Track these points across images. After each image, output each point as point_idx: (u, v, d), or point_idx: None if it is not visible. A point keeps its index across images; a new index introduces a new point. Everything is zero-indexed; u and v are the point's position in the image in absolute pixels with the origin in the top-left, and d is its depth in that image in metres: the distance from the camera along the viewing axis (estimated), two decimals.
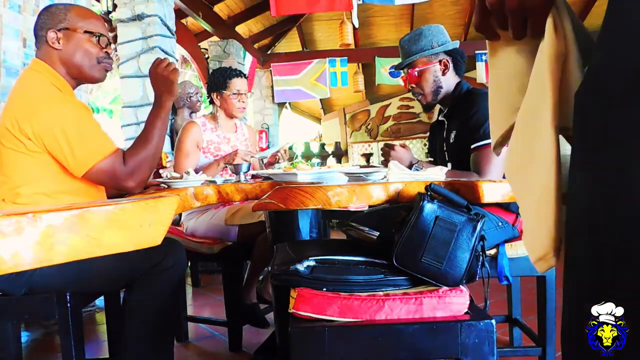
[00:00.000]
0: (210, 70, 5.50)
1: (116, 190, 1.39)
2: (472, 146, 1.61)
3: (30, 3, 2.58)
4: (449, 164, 1.75)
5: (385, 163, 1.70)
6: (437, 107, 1.87)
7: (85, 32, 1.36)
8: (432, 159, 1.93)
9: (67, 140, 1.21)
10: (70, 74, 1.38)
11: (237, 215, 2.06)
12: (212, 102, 2.30)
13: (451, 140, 1.70)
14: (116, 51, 3.44)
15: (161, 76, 1.40)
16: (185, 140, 2.18)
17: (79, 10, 1.39)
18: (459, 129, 1.68)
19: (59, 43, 1.34)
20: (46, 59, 1.35)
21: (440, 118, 1.83)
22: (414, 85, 1.77)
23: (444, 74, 1.73)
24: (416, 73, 1.73)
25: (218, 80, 2.25)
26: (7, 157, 1.26)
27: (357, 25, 4.00)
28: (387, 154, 1.71)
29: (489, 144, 1.54)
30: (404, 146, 1.73)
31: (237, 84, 2.24)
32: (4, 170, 1.28)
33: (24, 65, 2.53)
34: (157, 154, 1.36)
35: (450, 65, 1.74)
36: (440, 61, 1.73)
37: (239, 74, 2.27)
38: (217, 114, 2.29)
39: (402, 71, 1.84)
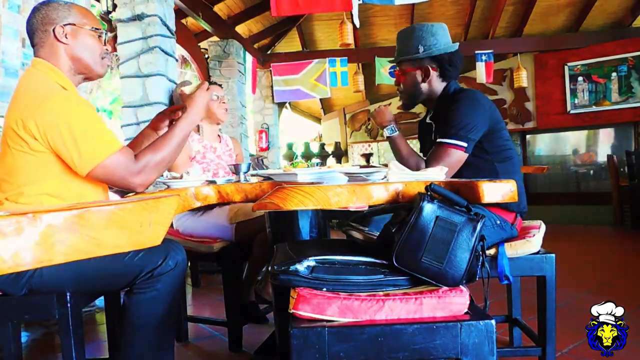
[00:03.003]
0: (210, 71, 5.52)
1: (121, 188, 1.39)
2: (437, 140, 1.62)
3: (30, 3, 2.58)
4: None
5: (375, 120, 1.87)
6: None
7: (90, 28, 1.39)
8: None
9: (72, 137, 1.21)
10: (75, 69, 1.39)
11: (240, 213, 2.10)
12: None
13: None
14: (116, 51, 3.44)
15: (206, 106, 1.48)
16: None
17: (79, 7, 1.42)
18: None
19: (66, 38, 1.35)
20: (49, 55, 1.36)
21: (427, 120, 1.84)
22: (399, 84, 1.81)
23: (423, 81, 1.73)
24: (400, 73, 1.78)
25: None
26: (12, 157, 1.25)
27: (358, 25, 3.99)
28: (373, 116, 1.86)
29: (451, 144, 1.57)
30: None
31: (214, 89, 2.31)
32: (9, 170, 1.27)
33: (22, 65, 2.53)
34: (170, 162, 1.37)
35: (434, 73, 1.72)
36: (421, 68, 1.72)
37: (212, 83, 2.47)
38: (201, 124, 2.39)
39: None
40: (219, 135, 2.47)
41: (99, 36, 1.42)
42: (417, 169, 1.60)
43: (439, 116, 1.73)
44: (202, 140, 2.36)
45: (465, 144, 1.56)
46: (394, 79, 1.85)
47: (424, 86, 1.74)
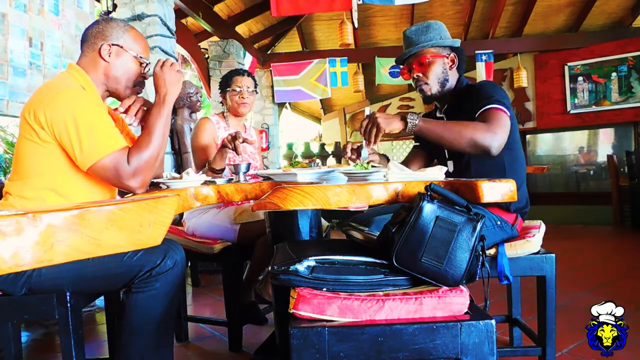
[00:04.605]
0: (210, 71, 5.52)
1: (121, 189, 1.39)
2: (481, 109, 1.53)
3: (36, 2, 2.58)
4: (450, 162, 1.74)
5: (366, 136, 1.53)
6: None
7: (136, 55, 1.44)
8: (417, 144, 1.95)
9: (77, 131, 1.23)
10: (106, 85, 1.44)
11: (245, 215, 2.09)
12: (222, 102, 2.40)
13: None
14: None
15: (167, 76, 1.42)
16: (201, 134, 2.22)
17: (135, 33, 1.48)
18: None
19: (109, 56, 1.41)
20: (88, 65, 1.42)
21: (438, 115, 1.80)
22: (420, 75, 1.71)
23: (450, 68, 1.73)
24: (427, 60, 1.67)
25: (224, 80, 2.33)
26: (22, 145, 1.29)
27: (356, 25, 3.99)
28: (378, 126, 1.50)
29: (497, 108, 1.50)
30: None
31: (237, 80, 2.29)
32: (18, 159, 1.31)
33: (30, 64, 2.52)
34: (160, 154, 1.36)
35: (456, 62, 1.74)
36: (448, 55, 1.72)
37: (242, 72, 2.33)
38: (226, 113, 2.36)
39: (403, 64, 1.79)
40: (244, 125, 2.44)
41: (141, 64, 1.47)
42: (475, 131, 1.46)
43: (453, 111, 1.71)
44: (228, 129, 2.32)
45: (507, 110, 1.53)
46: (397, 78, 1.81)
47: (451, 74, 1.73)
